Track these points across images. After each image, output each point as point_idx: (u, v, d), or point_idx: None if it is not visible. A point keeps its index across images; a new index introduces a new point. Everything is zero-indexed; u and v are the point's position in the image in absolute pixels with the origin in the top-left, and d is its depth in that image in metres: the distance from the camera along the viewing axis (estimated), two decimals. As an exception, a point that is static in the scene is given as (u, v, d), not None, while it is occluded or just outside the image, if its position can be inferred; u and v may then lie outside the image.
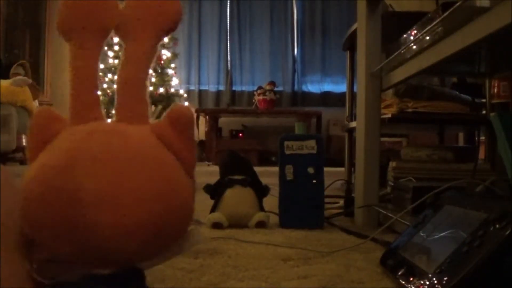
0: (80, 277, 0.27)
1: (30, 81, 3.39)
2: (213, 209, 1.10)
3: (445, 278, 0.49)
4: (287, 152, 1.10)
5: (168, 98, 4.66)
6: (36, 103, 3.96)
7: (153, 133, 0.29)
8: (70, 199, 0.24)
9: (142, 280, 0.29)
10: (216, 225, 1.05)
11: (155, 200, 0.26)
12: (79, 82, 0.30)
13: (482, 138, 1.80)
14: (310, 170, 1.09)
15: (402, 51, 1.00)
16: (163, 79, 4.58)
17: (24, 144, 3.63)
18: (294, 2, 5.50)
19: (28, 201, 0.25)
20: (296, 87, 5.51)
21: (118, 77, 0.31)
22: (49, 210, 0.25)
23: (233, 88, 5.52)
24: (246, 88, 5.50)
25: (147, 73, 0.31)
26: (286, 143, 1.11)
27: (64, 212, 0.24)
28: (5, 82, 3.23)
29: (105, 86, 4.59)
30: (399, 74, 1.04)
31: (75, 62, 0.30)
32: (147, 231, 0.26)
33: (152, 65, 0.32)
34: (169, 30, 0.32)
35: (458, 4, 0.71)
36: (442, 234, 0.60)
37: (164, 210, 0.26)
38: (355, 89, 1.81)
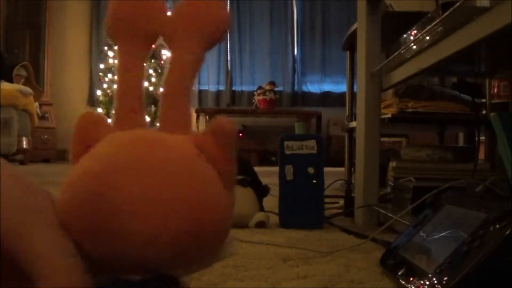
0: (110, 282, 0.27)
1: (33, 93, 3.40)
2: (213, 209, 1.10)
3: (445, 278, 0.49)
4: (287, 152, 1.10)
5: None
6: (36, 104, 3.97)
7: (195, 144, 0.28)
8: (108, 206, 0.25)
9: (175, 286, 0.28)
10: (216, 225, 1.05)
11: (192, 213, 0.26)
12: (126, 87, 0.31)
13: (482, 138, 1.80)
14: (310, 170, 1.09)
15: (402, 51, 1.00)
16: (163, 79, 4.58)
17: (24, 146, 3.64)
18: (294, 2, 5.51)
19: (67, 204, 0.26)
20: (296, 87, 5.51)
21: (164, 85, 0.31)
22: (87, 214, 0.25)
23: (233, 88, 5.52)
24: (246, 88, 5.50)
25: (192, 82, 0.31)
26: (286, 143, 1.11)
27: (101, 218, 0.25)
28: (8, 86, 3.23)
29: (105, 86, 4.60)
30: (399, 74, 1.04)
31: (123, 68, 0.31)
32: (182, 243, 0.26)
33: (196, 72, 0.32)
34: (217, 39, 0.32)
35: (458, 4, 0.71)
36: (442, 234, 0.60)
37: (200, 223, 0.27)
38: (355, 89, 1.81)
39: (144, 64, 0.31)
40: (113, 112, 0.31)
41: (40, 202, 0.26)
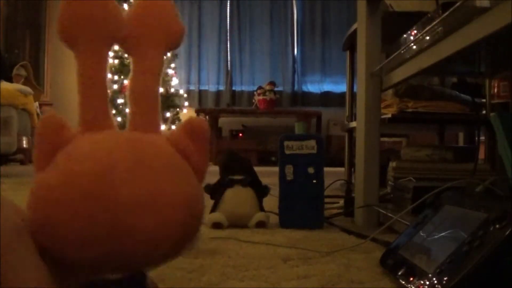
0: (90, 283, 0.28)
1: (32, 92, 3.40)
2: (213, 209, 1.10)
3: (445, 278, 0.49)
4: (287, 152, 1.10)
5: (168, 98, 4.66)
6: (36, 104, 3.96)
7: (169, 142, 0.30)
8: (108, 205, 0.26)
9: (145, 280, 0.30)
10: (216, 225, 1.05)
11: (185, 205, 0.28)
12: (88, 90, 0.30)
13: (482, 138, 1.80)
14: (310, 170, 1.09)
15: (402, 51, 1.00)
16: (163, 79, 4.57)
17: (24, 145, 3.63)
18: (294, 2, 5.51)
19: (53, 208, 0.26)
20: (296, 87, 5.51)
21: (130, 88, 0.32)
22: (81, 215, 0.26)
23: (233, 88, 5.52)
24: (246, 88, 5.50)
25: (157, 84, 0.32)
26: (286, 143, 1.11)
27: (99, 217, 0.26)
28: (7, 85, 3.23)
29: (105, 86, 4.59)
30: (399, 74, 1.04)
31: (82, 71, 0.30)
32: (178, 235, 0.28)
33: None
34: (174, 47, 0.34)
35: (458, 4, 0.71)
36: (442, 234, 0.60)
37: (191, 215, 0.29)
38: (355, 89, 1.81)
39: (106, 67, 0.31)
40: (79, 118, 0.30)
41: (12, 219, 0.26)
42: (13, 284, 0.24)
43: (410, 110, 1.49)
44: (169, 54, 4.78)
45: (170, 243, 0.28)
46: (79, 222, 0.26)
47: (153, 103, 0.32)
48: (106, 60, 0.32)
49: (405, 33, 1.01)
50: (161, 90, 5.02)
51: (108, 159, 0.27)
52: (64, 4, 0.30)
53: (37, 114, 3.89)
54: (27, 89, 3.36)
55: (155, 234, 0.27)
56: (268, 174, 1.58)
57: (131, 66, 0.33)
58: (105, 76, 0.31)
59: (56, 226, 0.26)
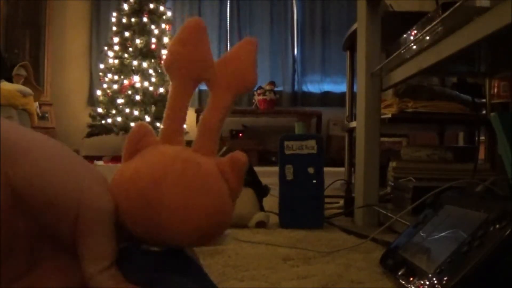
0: (134, 247, 0.37)
1: (32, 93, 3.39)
2: (213, 209, 1.10)
3: (445, 278, 0.49)
4: (287, 152, 1.10)
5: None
6: (36, 104, 3.96)
7: (217, 166, 0.39)
8: (154, 204, 0.36)
9: (183, 250, 0.40)
10: (216, 225, 1.05)
11: (213, 216, 0.37)
12: (174, 113, 0.40)
13: (482, 138, 1.80)
14: (310, 170, 1.09)
15: (402, 51, 1.00)
16: (163, 79, 4.58)
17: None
18: (294, 2, 5.51)
19: (119, 193, 0.36)
20: (296, 87, 5.51)
21: (202, 118, 0.41)
22: (135, 205, 0.36)
23: (233, 88, 5.52)
24: (246, 88, 5.49)
25: (222, 121, 0.41)
26: (286, 143, 1.11)
27: (147, 211, 0.36)
28: (7, 85, 3.23)
29: (105, 86, 4.59)
30: (399, 74, 1.04)
31: (174, 97, 0.40)
32: (202, 234, 0.37)
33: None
34: (244, 93, 0.43)
35: (458, 4, 0.71)
36: (442, 234, 0.60)
37: (218, 223, 0.38)
38: (355, 89, 1.81)
39: (190, 98, 0.41)
40: (161, 130, 0.41)
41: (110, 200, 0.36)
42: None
43: (410, 110, 1.49)
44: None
45: (196, 238, 0.37)
46: (133, 209, 0.36)
47: (214, 133, 0.41)
48: (191, 93, 0.41)
49: (405, 33, 1.01)
50: (161, 90, 5.02)
51: (163, 171, 0.37)
52: (173, 42, 0.40)
53: (37, 114, 3.89)
54: (27, 90, 3.36)
55: (183, 231, 0.36)
56: (268, 174, 1.58)
57: (208, 101, 0.42)
58: (187, 105, 0.41)
59: (120, 206, 0.36)
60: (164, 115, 0.40)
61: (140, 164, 0.37)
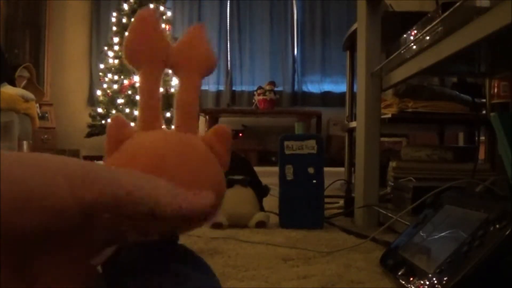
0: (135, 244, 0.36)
1: (34, 98, 3.39)
2: (213, 209, 1.10)
3: (445, 278, 0.49)
4: (287, 152, 1.10)
5: (168, 98, 4.66)
6: (37, 104, 3.96)
7: (203, 141, 0.41)
8: (160, 173, 0.35)
9: (176, 241, 0.40)
10: (216, 225, 1.05)
11: (214, 186, 0.38)
12: (147, 100, 0.41)
13: (482, 138, 1.80)
14: (310, 170, 1.09)
15: (402, 51, 1.00)
16: (163, 79, 4.58)
17: (25, 150, 3.63)
18: (294, 2, 5.51)
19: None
20: (296, 87, 5.51)
21: (176, 101, 0.43)
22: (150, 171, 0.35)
23: (233, 88, 5.52)
24: (246, 88, 5.50)
25: (197, 100, 0.43)
26: (286, 143, 1.11)
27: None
28: (9, 89, 3.23)
29: (105, 86, 4.59)
30: (399, 74, 1.04)
31: (143, 86, 0.42)
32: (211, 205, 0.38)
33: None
34: (208, 73, 0.45)
35: (458, 4, 0.71)
36: (442, 234, 0.60)
37: (218, 192, 0.38)
38: (355, 89, 1.81)
39: (160, 82, 0.42)
40: (138, 119, 0.42)
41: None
42: None
43: (410, 110, 1.49)
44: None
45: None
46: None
47: (192, 112, 0.43)
48: (160, 79, 0.42)
49: (405, 33, 1.01)
50: (161, 90, 5.04)
51: (163, 150, 0.38)
52: (129, 33, 0.41)
53: (38, 115, 3.89)
54: (29, 94, 3.35)
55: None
56: (268, 174, 1.58)
57: (178, 85, 0.44)
58: (159, 90, 0.42)
59: None
60: (138, 106, 0.42)
61: (135, 149, 0.38)
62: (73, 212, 0.28)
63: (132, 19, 0.42)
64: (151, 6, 4.72)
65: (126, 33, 0.42)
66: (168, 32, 4.83)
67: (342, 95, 4.62)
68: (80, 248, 0.32)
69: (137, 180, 0.32)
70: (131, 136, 0.40)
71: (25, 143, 3.62)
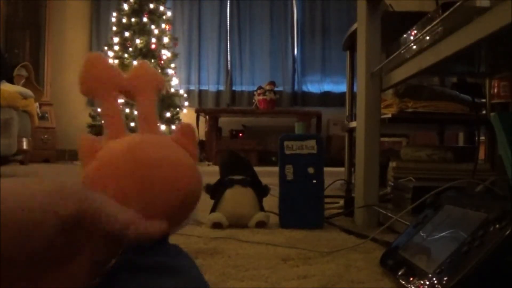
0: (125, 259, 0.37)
1: (33, 95, 3.40)
2: (213, 209, 1.10)
3: (445, 278, 0.49)
4: (287, 152, 1.10)
5: (168, 98, 4.66)
6: (36, 104, 3.96)
7: (172, 140, 0.45)
8: (145, 163, 0.40)
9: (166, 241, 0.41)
10: (216, 225, 1.05)
11: (191, 168, 0.43)
12: (110, 122, 0.45)
13: (482, 138, 1.80)
14: (310, 170, 1.09)
15: (402, 51, 1.00)
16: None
17: (25, 147, 3.63)
18: (294, 2, 5.51)
19: (111, 177, 0.40)
20: (296, 87, 5.51)
21: (139, 113, 0.47)
22: (128, 173, 0.39)
23: (233, 88, 5.52)
24: (246, 88, 5.50)
25: (156, 110, 0.48)
26: (286, 143, 1.11)
27: (140, 172, 0.40)
28: (8, 87, 3.23)
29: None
30: (399, 74, 1.04)
31: (105, 111, 0.46)
32: (190, 194, 0.42)
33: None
34: (159, 91, 0.50)
35: (458, 4, 0.71)
36: (442, 234, 0.60)
37: (199, 182, 0.43)
38: (355, 89, 1.81)
39: (119, 105, 0.47)
40: (104, 132, 0.45)
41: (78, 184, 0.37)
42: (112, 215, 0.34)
43: (410, 110, 1.49)
44: (169, 54, 4.78)
45: (181, 196, 0.41)
46: (119, 184, 0.39)
47: (153, 119, 0.47)
48: (117, 102, 0.47)
49: (405, 33, 1.01)
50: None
51: (135, 143, 0.42)
52: (82, 71, 0.45)
53: (38, 114, 3.89)
54: (28, 91, 3.36)
55: (178, 190, 0.40)
56: (268, 174, 1.58)
57: (137, 105, 0.48)
58: (120, 111, 0.47)
59: (109, 189, 0.39)
60: (104, 127, 0.46)
61: (108, 155, 0.41)
62: (52, 225, 0.30)
63: (84, 61, 0.46)
64: (151, 6, 4.73)
65: (80, 71, 0.46)
66: (168, 32, 4.83)
67: (342, 95, 4.62)
68: (72, 267, 0.34)
69: (105, 201, 0.34)
70: (102, 148, 0.43)
71: (24, 140, 3.62)
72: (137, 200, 0.39)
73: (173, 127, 4.50)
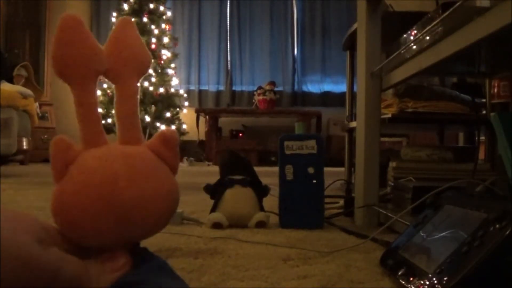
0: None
1: (33, 95, 3.40)
2: (213, 209, 1.10)
3: (445, 278, 0.49)
4: (287, 152, 1.10)
5: (168, 98, 4.66)
6: (36, 104, 3.96)
7: (150, 149, 0.41)
8: (115, 206, 0.37)
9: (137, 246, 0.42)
10: (216, 225, 1.05)
11: (167, 195, 0.40)
12: (85, 116, 0.40)
13: (482, 138, 1.80)
14: (310, 170, 1.09)
15: (402, 51, 1.00)
16: (163, 79, 4.58)
17: (24, 147, 3.63)
18: (294, 2, 5.51)
19: (73, 211, 0.37)
20: (296, 87, 5.51)
21: (116, 111, 0.42)
22: (95, 215, 0.37)
23: (233, 88, 5.52)
24: (246, 88, 5.50)
25: (137, 106, 0.43)
26: (286, 143, 1.11)
27: (109, 216, 0.37)
28: (8, 87, 3.23)
29: (105, 86, 4.59)
30: (399, 74, 1.04)
31: (78, 100, 0.40)
32: (163, 215, 0.40)
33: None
34: (144, 73, 0.44)
35: (458, 4, 0.71)
36: (442, 234, 0.60)
37: (172, 200, 0.41)
38: (355, 89, 1.81)
39: (96, 95, 0.41)
40: (80, 137, 0.40)
41: (32, 230, 0.34)
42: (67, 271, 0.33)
43: (410, 110, 1.49)
44: (169, 54, 4.78)
45: (157, 220, 0.40)
46: (95, 220, 0.37)
47: (135, 121, 0.42)
48: (95, 90, 0.41)
49: (405, 33, 1.01)
50: (161, 90, 5.02)
51: (111, 171, 0.37)
52: (54, 47, 0.38)
53: (37, 114, 3.89)
54: (28, 91, 3.36)
55: (149, 220, 0.39)
56: (268, 174, 1.58)
57: (115, 93, 0.42)
58: (96, 102, 0.41)
59: (77, 224, 0.37)
60: (78, 122, 0.40)
61: (81, 177, 0.37)
62: (42, 262, 0.32)
63: (58, 26, 0.38)
64: (151, 6, 4.72)
65: (54, 42, 0.38)
66: (168, 32, 4.83)
67: (342, 95, 4.62)
68: None
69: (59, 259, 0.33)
70: (76, 159, 0.38)
71: (24, 139, 3.62)
72: (114, 231, 0.38)
73: (173, 127, 4.50)
